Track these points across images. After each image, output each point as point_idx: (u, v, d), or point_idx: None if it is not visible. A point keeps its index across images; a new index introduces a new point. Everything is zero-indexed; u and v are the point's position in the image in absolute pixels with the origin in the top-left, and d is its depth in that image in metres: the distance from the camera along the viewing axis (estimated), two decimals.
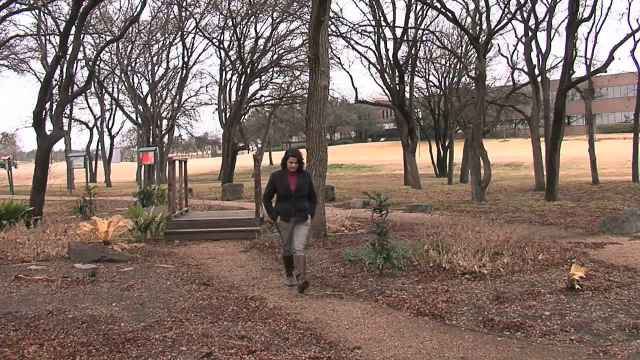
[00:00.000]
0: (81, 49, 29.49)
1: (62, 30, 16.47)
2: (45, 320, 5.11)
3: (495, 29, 21.63)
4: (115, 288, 6.44)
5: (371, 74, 59.14)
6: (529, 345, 4.42)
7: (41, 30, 30.97)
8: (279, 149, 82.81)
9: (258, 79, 36.55)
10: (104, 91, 41.29)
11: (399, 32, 27.09)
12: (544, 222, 11.95)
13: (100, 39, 32.21)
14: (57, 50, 18.83)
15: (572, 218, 12.41)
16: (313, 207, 6.63)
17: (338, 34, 27.76)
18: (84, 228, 9.52)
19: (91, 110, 44.89)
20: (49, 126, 19.40)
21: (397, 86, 27.40)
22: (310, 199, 6.56)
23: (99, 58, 28.68)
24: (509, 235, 8.52)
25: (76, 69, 32.65)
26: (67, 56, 15.04)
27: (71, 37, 14.62)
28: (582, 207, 14.74)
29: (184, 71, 38.25)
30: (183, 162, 13.16)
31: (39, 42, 33.44)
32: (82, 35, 19.76)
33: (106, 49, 31.95)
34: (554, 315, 5.14)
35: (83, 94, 38.83)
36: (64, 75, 22.96)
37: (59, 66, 17.73)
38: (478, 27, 22.15)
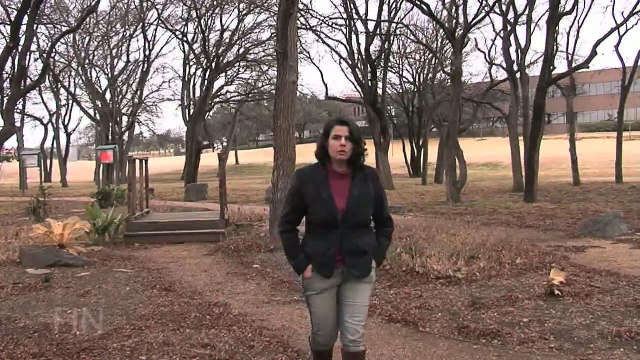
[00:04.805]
0: (35, 40, 28.33)
1: (13, 19, 15.86)
2: None
3: (473, 23, 21.33)
4: (71, 294, 6.24)
5: (342, 70, 55.70)
6: (507, 354, 4.34)
7: None
8: (246, 148, 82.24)
9: (224, 74, 36.05)
10: (59, 85, 39.89)
11: (371, 25, 26.71)
12: (523, 224, 11.83)
13: (56, 29, 31.23)
14: (7, 41, 18.05)
15: (552, 220, 12.26)
16: (385, 245, 3.36)
17: (308, 27, 27.29)
18: (37, 231, 9.25)
19: (46, 106, 43.56)
20: None
21: (370, 82, 27.04)
22: (379, 226, 3.34)
23: (54, 50, 27.70)
24: (486, 239, 8.44)
25: (29, 61, 31.36)
26: (19, 47, 14.58)
27: (24, 27, 14.07)
28: (563, 209, 14.61)
29: (146, 65, 37.54)
30: (144, 161, 12.99)
31: None
32: (35, 26, 18.95)
33: (62, 40, 30.89)
34: (533, 322, 5.04)
35: (37, 88, 37.38)
36: (16, 67, 22.01)
37: (10, 58, 17.03)
38: (454, 21, 21.56)
